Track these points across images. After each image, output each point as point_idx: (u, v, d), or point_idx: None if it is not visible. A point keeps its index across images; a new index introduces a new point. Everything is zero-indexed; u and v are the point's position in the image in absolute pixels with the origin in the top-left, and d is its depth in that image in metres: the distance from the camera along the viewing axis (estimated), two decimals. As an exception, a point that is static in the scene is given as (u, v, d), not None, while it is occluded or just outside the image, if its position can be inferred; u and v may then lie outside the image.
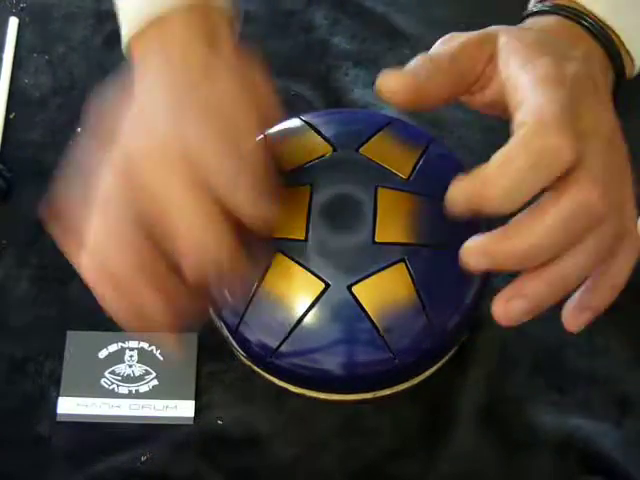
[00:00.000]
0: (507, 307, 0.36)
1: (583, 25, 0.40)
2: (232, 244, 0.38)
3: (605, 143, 0.35)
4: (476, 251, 0.35)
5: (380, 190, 0.44)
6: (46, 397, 0.50)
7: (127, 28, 0.42)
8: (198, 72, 0.39)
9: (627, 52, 0.41)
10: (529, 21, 0.41)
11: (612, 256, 0.37)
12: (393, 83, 0.38)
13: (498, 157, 0.34)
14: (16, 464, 0.48)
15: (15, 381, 0.50)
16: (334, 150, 0.46)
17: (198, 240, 0.37)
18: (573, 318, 0.38)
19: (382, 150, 0.46)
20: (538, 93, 0.35)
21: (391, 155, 0.46)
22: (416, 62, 0.39)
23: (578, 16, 0.40)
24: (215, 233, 0.37)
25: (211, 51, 0.40)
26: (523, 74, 0.36)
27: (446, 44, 0.39)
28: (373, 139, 0.47)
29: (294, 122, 0.49)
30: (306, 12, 0.62)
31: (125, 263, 0.38)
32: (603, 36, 0.40)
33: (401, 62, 0.61)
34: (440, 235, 0.43)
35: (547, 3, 0.41)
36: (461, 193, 0.35)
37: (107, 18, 0.62)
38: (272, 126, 0.45)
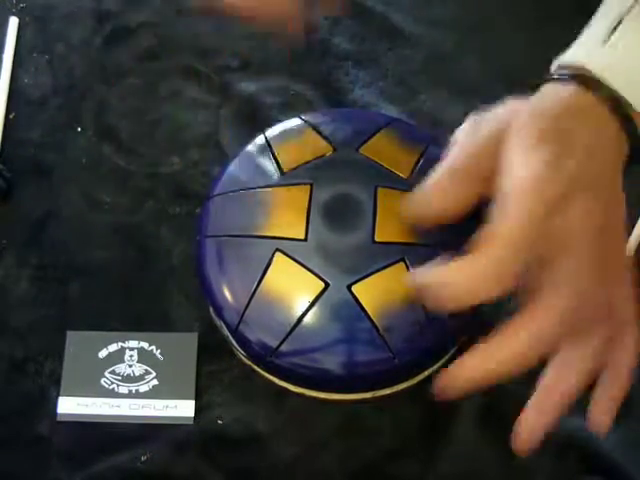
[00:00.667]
0: (536, 434, 0.39)
1: (600, 97, 0.39)
2: None
3: (586, 246, 0.37)
4: (453, 377, 0.38)
5: (380, 190, 0.44)
6: (46, 397, 0.50)
7: None
8: None
9: None
10: (548, 88, 0.41)
11: (613, 351, 0.39)
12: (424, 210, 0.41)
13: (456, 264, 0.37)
14: (16, 464, 0.48)
15: (15, 381, 0.50)
16: (334, 150, 0.46)
17: None
18: (600, 419, 0.41)
19: (382, 150, 0.46)
20: (511, 204, 0.36)
21: (391, 155, 0.46)
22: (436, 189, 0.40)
23: (596, 87, 0.39)
24: None
25: None
26: (514, 177, 0.37)
27: (465, 149, 0.40)
28: (373, 139, 0.47)
29: (294, 122, 0.49)
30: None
31: None
32: (619, 108, 0.39)
33: (401, 62, 0.62)
34: (440, 234, 0.43)
35: (566, 71, 0.41)
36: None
37: (107, 18, 0.62)
38: None
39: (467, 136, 0.40)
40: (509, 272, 0.36)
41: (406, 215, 0.42)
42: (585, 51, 0.41)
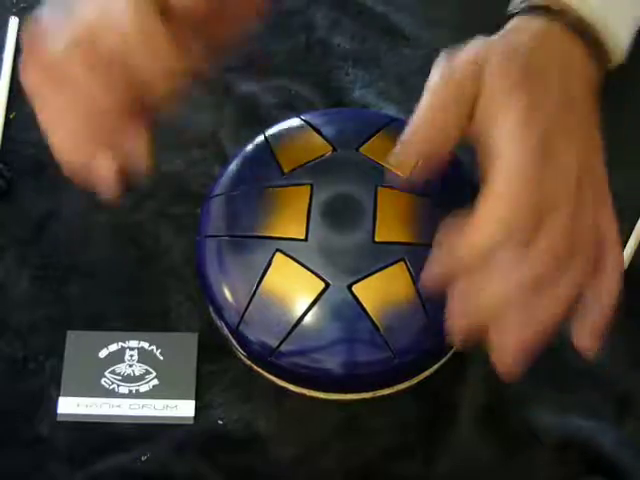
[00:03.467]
0: (519, 356, 0.39)
1: (568, 25, 0.40)
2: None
3: (573, 185, 0.37)
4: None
5: (380, 189, 0.44)
6: (46, 397, 0.50)
7: None
8: None
9: (613, 43, 0.41)
10: (514, 23, 0.40)
11: (595, 273, 0.38)
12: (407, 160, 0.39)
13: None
14: (16, 464, 0.48)
15: (15, 381, 0.50)
16: (334, 150, 0.46)
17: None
18: (585, 342, 0.39)
19: (382, 149, 0.46)
20: (510, 150, 0.36)
21: (391, 154, 0.46)
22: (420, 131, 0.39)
23: (562, 15, 0.40)
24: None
25: None
26: (501, 121, 0.37)
27: (442, 86, 0.39)
28: (373, 139, 0.47)
29: (294, 122, 0.49)
30: (306, 12, 0.62)
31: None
32: (585, 33, 0.40)
33: (401, 62, 0.61)
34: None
35: (529, 3, 0.40)
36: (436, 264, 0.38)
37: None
38: None
39: (442, 79, 0.39)
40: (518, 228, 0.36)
41: (395, 159, 0.40)
42: None
